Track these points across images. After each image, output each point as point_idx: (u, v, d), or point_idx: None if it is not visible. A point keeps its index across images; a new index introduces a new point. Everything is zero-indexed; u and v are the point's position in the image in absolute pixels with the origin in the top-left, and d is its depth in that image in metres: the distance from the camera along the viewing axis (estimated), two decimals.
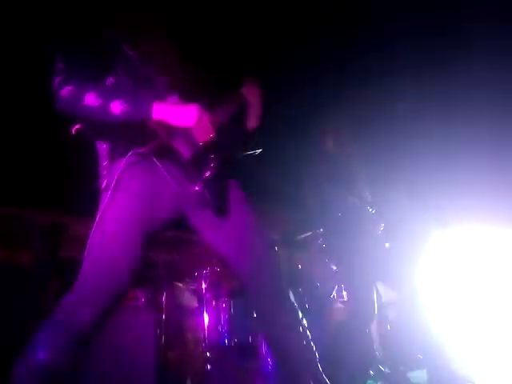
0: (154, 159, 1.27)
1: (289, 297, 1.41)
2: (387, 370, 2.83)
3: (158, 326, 2.94)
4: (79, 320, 1.16)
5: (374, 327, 3.38)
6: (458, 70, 2.99)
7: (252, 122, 1.61)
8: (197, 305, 3.27)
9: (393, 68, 2.99)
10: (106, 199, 1.26)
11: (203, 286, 2.91)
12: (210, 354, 2.99)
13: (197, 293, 3.13)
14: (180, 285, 3.55)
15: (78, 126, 1.29)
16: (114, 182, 1.26)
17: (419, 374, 2.71)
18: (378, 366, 2.82)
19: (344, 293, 3.13)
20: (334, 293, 3.31)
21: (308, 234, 3.60)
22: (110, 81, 1.35)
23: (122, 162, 1.26)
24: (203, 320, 3.06)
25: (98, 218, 1.26)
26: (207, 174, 1.34)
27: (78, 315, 1.16)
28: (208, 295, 3.14)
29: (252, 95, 1.59)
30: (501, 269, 2.33)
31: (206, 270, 2.92)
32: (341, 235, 2.55)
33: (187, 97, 1.42)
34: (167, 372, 2.91)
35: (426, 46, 3.04)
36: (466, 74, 3.00)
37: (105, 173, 1.33)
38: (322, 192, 2.63)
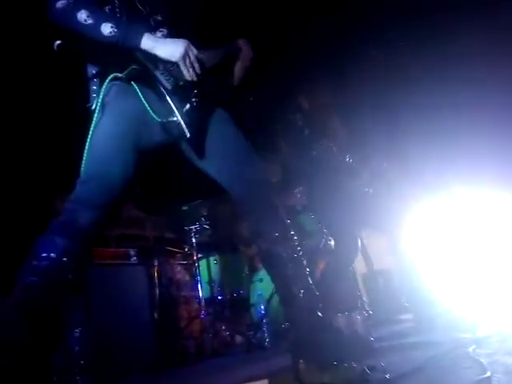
0: (134, 85, 1.34)
1: (280, 214, 1.49)
2: (372, 312, 2.95)
3: (152, 283, 3.03)
4: (80, 222, 1.29)
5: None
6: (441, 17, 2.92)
7: (240, 72, 1.68)
8: (187, 278, 3.36)
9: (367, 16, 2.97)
10: (95, 120, 1.36)
11: (193, 240, 2.98)
12: (204, 309, 3.09)
13: (188, 249, 3.19)
14: (171, 249, 3.61)
15: (59, 42, 1.35)
16: (99, 104, 1.36)
17: (406, 317, 2.83)
18: (364, 308, 2.94)
19: (331, 243, 3.21)
20: (321, 245, 3.41)
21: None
22: (107, 8, 1.42)
23: (105, 86, 1.35)
24: (196, 277, 3.15)
25: (89, 137, 1.35)
26: (187, 106, 1.40)
27: (79, 218, 1.30)
28: (199, 253, 3.22)
29: (244, 47, 1.67)
30: (489, 227, 2.44)
31: (195, 225, 2.99)
32: (323, 189, 2.62)
33: (179, 36, 1.47)
34: (164, 327, 3.00)
35: None
36: (451, 21, 2.94)
37: (94, 95, 1.41)
38: (301, 151, 2.68)
